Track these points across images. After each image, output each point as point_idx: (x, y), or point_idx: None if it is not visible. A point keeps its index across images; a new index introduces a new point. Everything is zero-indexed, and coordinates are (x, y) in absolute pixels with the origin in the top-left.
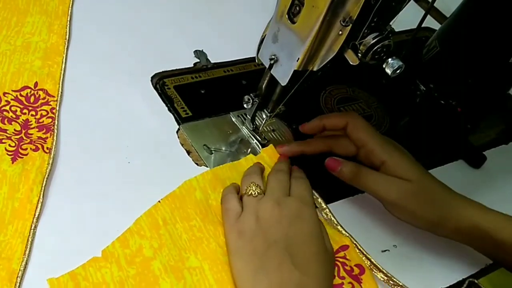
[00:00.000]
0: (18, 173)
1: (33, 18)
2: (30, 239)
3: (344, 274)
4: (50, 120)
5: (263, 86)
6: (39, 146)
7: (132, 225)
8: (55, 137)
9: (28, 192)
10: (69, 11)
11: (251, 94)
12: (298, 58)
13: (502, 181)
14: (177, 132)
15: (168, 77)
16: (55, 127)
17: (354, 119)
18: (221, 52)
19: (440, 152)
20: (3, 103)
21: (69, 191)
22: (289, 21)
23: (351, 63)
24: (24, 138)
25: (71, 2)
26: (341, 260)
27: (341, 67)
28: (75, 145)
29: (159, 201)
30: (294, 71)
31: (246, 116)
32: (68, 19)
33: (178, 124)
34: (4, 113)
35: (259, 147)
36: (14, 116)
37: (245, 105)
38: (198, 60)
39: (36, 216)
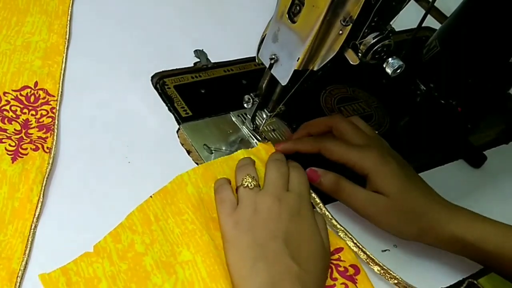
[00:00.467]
0: (18, 173)
1: (33, 17)
2: (30, 239)
3: (336, 275)
4: (50, 119)
5: (263, 86)
6: (39, 145)
7: (124, 220)
8: (55, 137)
9: (28, 191)
10: (69, 10)
11: (251, 94)
12: (298, 58)
13: (502, 181)
14: (177, 132)
15: (168, 77)
16: (55, 126)
17: (337, 123)
18: (221, 51)
19: (440, 152)
20: (3, 102)
21: (69, 191)
22: (289, 21)
23: (351, 62)
24: (24, 137)
25: (71, 2)
26: (335, 262)
27: (341, 67)
28: (75, 145)
29: (151, 196)
30: (294, 70)
31: (246, 116)
32: (68, 18)
33: (178, 124)
34: (4, 112)
35: None
36: (14, 116)
37: (245, 105)
38: (198, 60)
39: (36, 216)
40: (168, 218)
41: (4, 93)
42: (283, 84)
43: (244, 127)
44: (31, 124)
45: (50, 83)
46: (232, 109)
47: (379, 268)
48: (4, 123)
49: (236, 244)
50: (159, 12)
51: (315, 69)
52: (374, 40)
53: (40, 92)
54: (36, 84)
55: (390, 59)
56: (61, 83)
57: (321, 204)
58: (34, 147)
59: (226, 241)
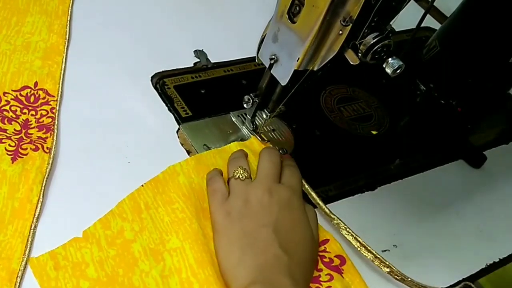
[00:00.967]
0: (18, 173)
1: (33, 17)
2: (30, 239)
3: (322, 266)
4: (50, 120)
5: (263, 86)
6: (39, 146)
7: (115, 207)
8: (55, 137)
9: (28, 192)
10: (69, 10)
11: (251, 94)
12: (298, 58)
13: (502, 181)
14: (177, 132)
15: (168, 77)
16: (55, 127)
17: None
18: (221, 52)
19: (440, 152)
20: (3, 103)
21: (69, 191)
22: (289, 21)
23: (351, 63)
24: (24, 138)
25: (71, 2)
26: (320, 253)
27: (341, 67)
28: (75, 145)
29: (142, 185)
30: (294, 71)
31: (246, 116)
32: (68, 18)
33: (178, 124)
34: (4, 113)
35: None
36: (14, 116)
37: (245, 105)
38: (198, 60)
39: (36, 216)
40: (159, 206)
41: (4, 93)
42: (283, 84)
43: (244, 127)
44: (31, 124)
45: (50, 83)
46: (232, 109)
47: (372, 256)
48: (4, 123)
49: (226, 233)
50: (159, 12)
51: (315, 69)
52: (374, 40)
53: (40, 92)
54: (36, 84)
55: (390, 59)
56: (61, 83)
57: (313, 194)
58: (34, 147)
59: (216, 231)
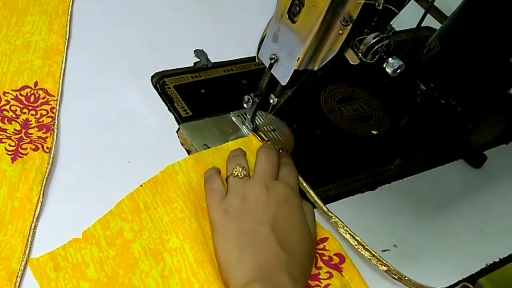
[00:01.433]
0: (18, 173)
1: (33, 17)
2: (30, 239)
3: (321, 264)
4: (50, 119)
5: (263, 86)
6: (39, 145)
7: (114, 207)
8: (55, 137)
9: (28, 191)
10: (69, 10)
11: (251, 94)
12: (298, 58)
13: (502, 181)
14: (177, 131)
15: (168, 77)
16: (55, 126)
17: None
18: (221, 51)
19: (440, 152)
20: (3, 102)
21: (69, 191)
22: (289, 21)
23: (351, 62)
24: (24, 137)
25: (71, 2)
26: (319, 251)
27: (341, 67)
28: (75, 145)
29: (141, 185)
30: (294, 70)
31: (246, 116)
32: (68, 18)
33: (178, 123)
34: (4, 112)
35: None
36: (14, 116)
37: (245, 105)
38: (198, 60)
39: (36, 215)
40: (158, 206)
41: (4, 93)
42: (283, 84)
43: (244, 127)
44: (31, 124)
45: (50, 83)
46: (232, 109)
47: (369, 255)
48: (4, 123)
49: (224, 232)
50: (159, 12)
51: (315, 69)
52: (374, 40)
53: (40, 92)
54: (36, 84)
55: (390, 59)
56: (61, 83)
57: (311, 192)
58: (34, 147)
59: (214, 229)
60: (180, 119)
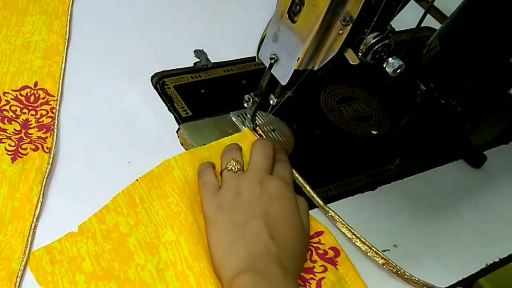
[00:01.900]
0: (18, 173)
1: (33, 17)
2: (30, 239)
3: (316, 257)
4: (50, 119)
5: (263, 86)
6: (39, 145)
7: (109, 202)
8: (55, 137)
9: (28, 192)
10: (69, 10)
11: (251, 94)
12: (298, 58)
13: (502, 181)
14: (177, 132)
15: (168, 77)
16: (55, 126)
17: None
18: (221, 51)
19: (440, 152)
20: (3, 102)
21: (69, 191)
22: (289, 21)
23: (351, 62)
24: (24, 137)
25: (71, 2)
26: (315, 245)
27: (341, 67)
28: (75, 145)
29: (137, 180)
30: (294, 70)
31: (246, 116)
32: (68, 18)
33: (178, 123)
34: (4, 112)
35: None
36: (14, 116)
37: (245, 104)
38: (198, 60)
39: (36, 216)
40: (154, 201)
41: (4, 93)
42: (283, 84)
43: (244, 127)
44: (31, 124)
45: (50, 83)
46: (232, 109)
47: (367, 248)
48: (4, 123)
49: (216, 225)
50: (159, 12)
51: (315, 69)
52: (374, 40)
53: (40, 92)
54: (36, 84)
55: (390, 59)
56: (61, 83)
57: (307, 186)
58: (34, 147)
59: (207, 223)
60: (180, 119)
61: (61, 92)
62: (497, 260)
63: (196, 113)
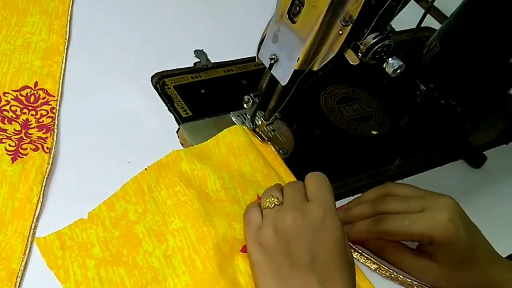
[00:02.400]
0: (18, 173)
1: (33, 18)
2: (30, 239)
3: None
4: (50, 120)
5: (263, 86)
6: (39, 146)
7: (119, 190)
8: (55, 137)
9: (28, 192)
10: (69, 11)
11: (251, 94)
12: (298, 58)
13: (502, 181)
14: (177, 132)
15: (168, 77)
16: (55, 127)
17: (391, 188)
18: (221, 52)
19: (440, 152)
20: (3, 102)
21: (69, 191)
22: (289, 21)
23: (351, 63)
24: (24, 138)
25: (71, 2)
26: None
27: (341, 67)
28: (75, 145)
29: (145, 169)
30: (294, 71)
31: (246, 116)
32: (68, 19)
33: (178, 124)
34: (4, 113)
35: None
36: (14, 116)
37: (245, 105)
38: (198, 60)
39: (36, 216)
40: (161, 190)
41: (4, 93)
42: (283, 84)
43: (244, 127)
44: (31, 124)
45: (50, 83)
46: (232, 109)
47: (357, 254)
48: (4, 123)
49: (260, 268)
50: (159, 12)
51: (315, 69)
52: (374, 40)
53: (40, 92)
54: (36, 84)
55: (390, 59)
56: (61, 83)
57: None
58: (34, 147)
59: (251, 265)
60: (180, 119)
61: (61, 92)
62: None
63: (196, 113)
